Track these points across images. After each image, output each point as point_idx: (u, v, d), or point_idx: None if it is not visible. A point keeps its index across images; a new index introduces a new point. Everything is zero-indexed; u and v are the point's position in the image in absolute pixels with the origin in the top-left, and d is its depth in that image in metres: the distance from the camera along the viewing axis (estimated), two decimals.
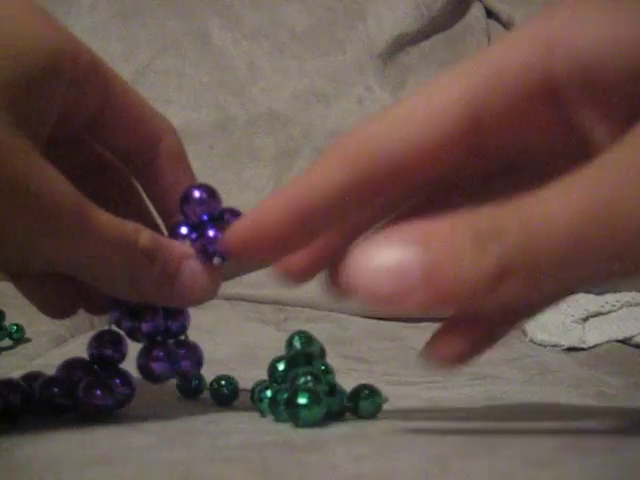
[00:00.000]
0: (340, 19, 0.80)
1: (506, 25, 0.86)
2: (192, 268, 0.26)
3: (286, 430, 0.24)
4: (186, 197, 0.27)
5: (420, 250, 0.16)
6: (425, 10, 0.82)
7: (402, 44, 0.81)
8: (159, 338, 0.27)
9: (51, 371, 0.27)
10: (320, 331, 0.60)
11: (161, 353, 0.27)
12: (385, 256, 0.16)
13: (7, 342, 0.47)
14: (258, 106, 0.74)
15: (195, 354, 0.28)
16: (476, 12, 0.87)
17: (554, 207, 0.16)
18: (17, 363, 0.42)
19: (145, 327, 0.26)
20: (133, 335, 0.27)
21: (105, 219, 0.23)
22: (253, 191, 0.72)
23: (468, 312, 0.19)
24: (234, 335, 0.55)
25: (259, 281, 0.73)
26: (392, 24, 0.80)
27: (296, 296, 0.72)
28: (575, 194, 0.16)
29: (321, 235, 0.21)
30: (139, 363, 0.27)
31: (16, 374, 0.27)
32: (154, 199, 0.28)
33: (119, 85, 0.26)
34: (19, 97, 0.22)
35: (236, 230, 0.22)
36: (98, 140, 0.27)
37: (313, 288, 0.67)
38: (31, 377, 0.27)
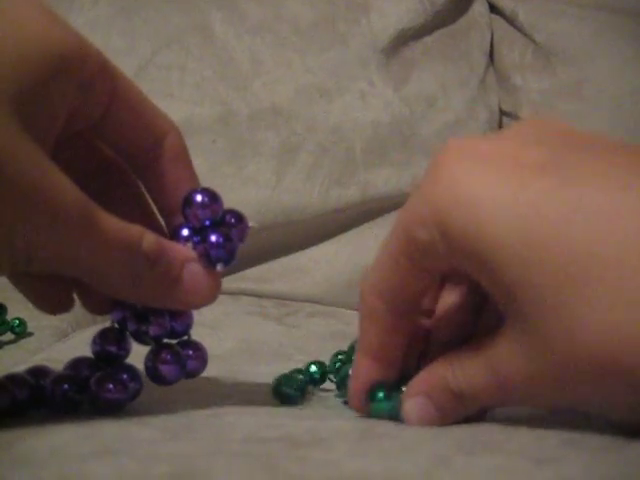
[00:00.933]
0: (343, 14, 0.80)
1: (509, 20, 0.86)
2: (194, 272, 0.26)
3: (289, 425, 0.24)
4: (188, 201, 0.27)
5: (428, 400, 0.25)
6: (428, 5, 0.82)
7: (405, 39, 0.80)
8: (165, 340, 0.27)
9: (54, 365, 0.27)
10: (322, 326, 0.60)
11: (169, 356, 0.27)
12: (412, 406, 0.25)
13: (9, 336, 0.47)
14: (261, 101, 0.74)
15: (201, 353, 0.28)
16: (479, 7, 0.86)
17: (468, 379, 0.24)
18: (19, 357, 0.42)
19: (152, 330, 0.26)
20: (139, 337, 0.27)
21: (110, 221, 0.24)
22: (255, 186, 0.72)
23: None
24: (236, 330, 0.55)
25: (261, 276, 0.73)
26: (395, 19, 0.80)
27: (298, 291, 0.72)
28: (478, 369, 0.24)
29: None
30: (147, 366, 0.27)
31: (19, 368, 0.27)
32: (156, 198, 0.29)
33: (125, 85, 0.26)
34: (27, 99, 0.22)
35: (354, 396, 0.27)
36: (102, 139, 0.27)
37: (315, 283, 0.68)
38: (37, 371, 0.27)
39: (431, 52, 0.81)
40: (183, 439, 0.22)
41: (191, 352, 0.28)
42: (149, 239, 0.25)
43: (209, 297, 0.27)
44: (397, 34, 0.79)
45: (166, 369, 0.27)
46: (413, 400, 0.25)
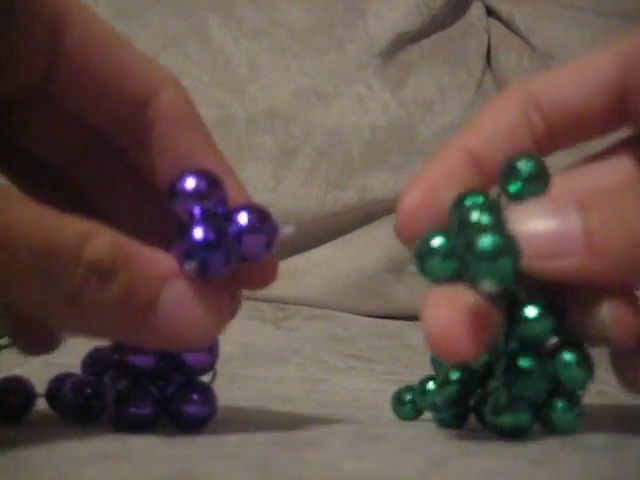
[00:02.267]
0: (340, 18, 0.80)
1: (506, 24, 0.86)
2: (179, 293, 0.18)
3: (287, 427, 0.24)
4: (173, 190, 0.19)
5: (583, 216, 0.17)
6: (425, 9, 0.82)
7: (402, 42, 0.80)
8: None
9: (52, 369, 0.27)
10: (320, 329, 0.60)
11: (197, 395, 0.22)
12: (547, 222, 0.17)
13: (5, 340, 0.47)
14: (258, 105, 0.74)
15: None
16: (476, 11, 0.87)
17: None
18: (16, 361, 0.42)
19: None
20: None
21: (27, 214, 0.16)
22: (253, 189, 0.71)
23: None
24: (234, 333, 0.55)
25: None
26: (392, 22, 0.80)
27: (296, 294, 0.72)
28: None
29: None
30: (172, 408, 0.23)
31: (16, 372, 0.27)
32: (157, 177, 0.20)
33: (82, 23, 0.18)
34: None
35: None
36: (57, 104, 0.20)
37: (313, 286, 0.68)
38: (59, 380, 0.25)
39: (428, 56, 0.81)
40: (181, 442, 0.22)
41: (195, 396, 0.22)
42: (101, 243, 0.16)
43: (204, 330, 0.19)
44: (394, 38, 0.80)
45: (194, 409, 0.22)
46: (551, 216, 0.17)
